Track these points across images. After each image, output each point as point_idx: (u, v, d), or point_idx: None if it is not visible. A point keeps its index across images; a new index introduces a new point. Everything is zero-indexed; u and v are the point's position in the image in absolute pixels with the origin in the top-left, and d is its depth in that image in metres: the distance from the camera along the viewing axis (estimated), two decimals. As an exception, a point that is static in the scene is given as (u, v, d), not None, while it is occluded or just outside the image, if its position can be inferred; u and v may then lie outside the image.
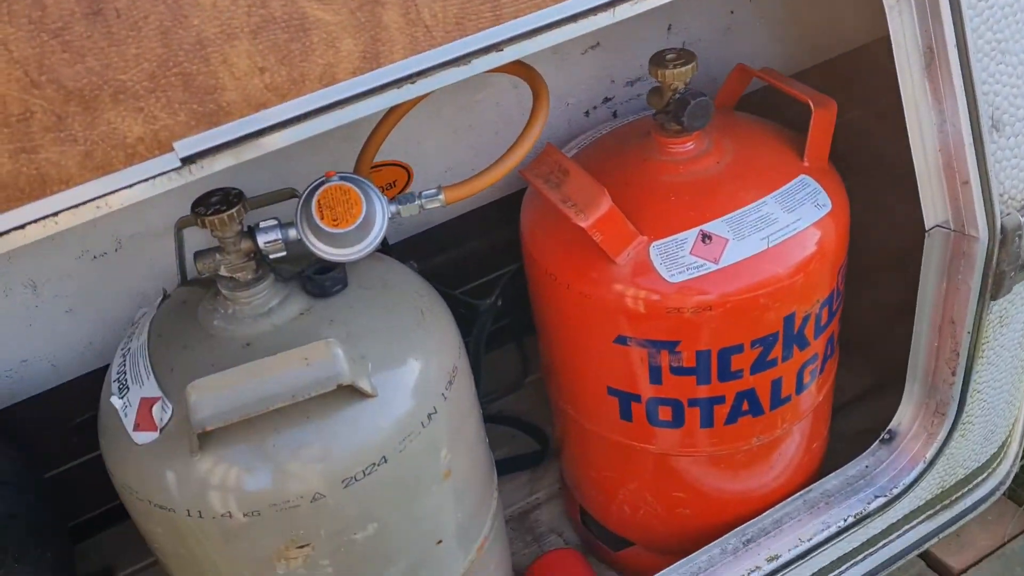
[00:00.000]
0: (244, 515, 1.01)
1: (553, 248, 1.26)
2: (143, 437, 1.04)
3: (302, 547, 1.05)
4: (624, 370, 1.26)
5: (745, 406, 1.28)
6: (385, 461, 1.04)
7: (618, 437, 1.36)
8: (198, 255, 1.07)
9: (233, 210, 1.03)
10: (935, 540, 1.59)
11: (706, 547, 1.38)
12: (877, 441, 1.48)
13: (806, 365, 1.29)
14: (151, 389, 1.06)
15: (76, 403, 1.46)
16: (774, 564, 1.37)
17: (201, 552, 1.06)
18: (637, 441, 1.35)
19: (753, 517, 1.42)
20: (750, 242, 1.17)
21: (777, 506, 1.42)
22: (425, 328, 1.13)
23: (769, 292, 1.17)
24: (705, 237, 1.17)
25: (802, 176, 1.23)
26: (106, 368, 1.37)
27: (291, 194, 1.21)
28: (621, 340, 1.23)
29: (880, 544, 1.50)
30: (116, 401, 1.08)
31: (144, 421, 1.04)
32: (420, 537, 1.14)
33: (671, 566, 1.37)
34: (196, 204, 1.04)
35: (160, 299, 1.21)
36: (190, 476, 1.00)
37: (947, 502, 1.55)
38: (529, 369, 2.02)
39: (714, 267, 1.16)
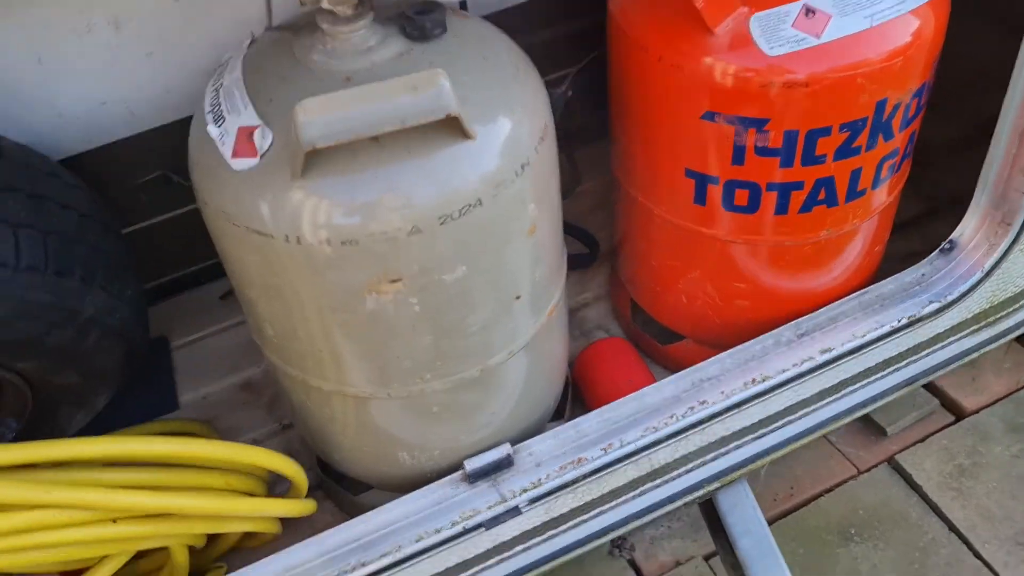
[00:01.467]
0: (341, 243, 1.03)
1: (645, 19, 1.24)
2: (242, 164, 1.04)
3: (394, 281, 1.07)
4: (706, 149, 1.26)
5: (822, 195, 1.29)
6: (480, 204, 1.05)
7: (687, 223, 1.38)
8: (302, -16, 1.06)
9: (343, -66, 1.00)
10: (975, 355, 1.63)
11: (760, 337, 1.42)
12: (936, 251, 1.49)
13: (887, 159, 1.30)
14: (250, 118, 1.06)
15: (149, 157, 1.47)
16: (826, 356, 1.41)
17: (290, 282, 1.09)
18: (707, 227, 1.37)
19: (807, 314, 1.45)
20: (854, 19, 1.15)
21: (833, 304, 1.45)
22: (521, 83, 1.12)
23: (866, 73, 1.16)
24: (809, 11, 1.15)
25: (910, -43, 1.20)
26: (182, 121, 1.37)
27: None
28: (708, 116, 1.22)
29: (925, 352, 1.54)
30: (213, 130, 1.08)
31: (243, 148, 1.05)
32: (502, 288, 1.17)
33: (725, 351, 1.41)
34: (304, -73, 1.02)
35: (248, 41, 1.20)
36: (289, 202, 1.02)
37: (992, 319, 1.58)
38: (579, 179, 2.03)
39: (815, 42, 1.14)
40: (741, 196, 1.30)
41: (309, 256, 1.05)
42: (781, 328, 1.43)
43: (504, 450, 1.32)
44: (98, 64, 1.30)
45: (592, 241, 1.90)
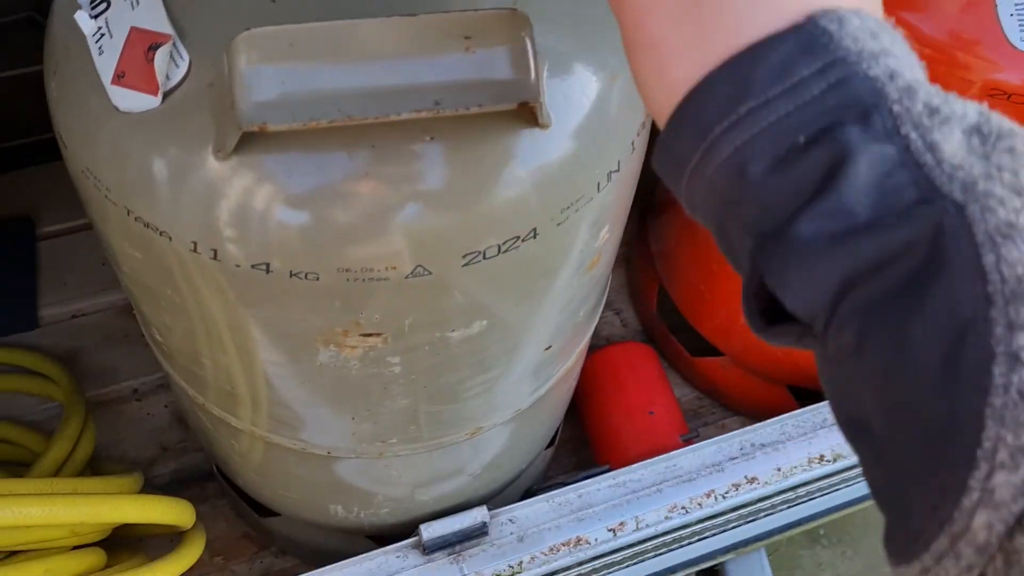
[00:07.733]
0: (292, 274, 0.59)
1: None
2: (130, 99, 0.58)
3: (369, 336, 0.65)
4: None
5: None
6: (535, 235, 0.62)
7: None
8: None
9: None
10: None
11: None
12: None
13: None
14: (153, 17, 0.58)
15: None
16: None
17: (198, 302, 0.65)
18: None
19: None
20: None
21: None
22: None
23: None
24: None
25: None
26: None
27: None
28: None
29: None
30: (84, 20, 0.60)
31: (134, 72, 0.58)
32: (529, 342, 0.75)
33: (788, 413, 1.04)
34: None
35: None
36: (209, 191, 0.57)
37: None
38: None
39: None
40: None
41: (231, 280, 0.61)
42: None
43: (476, 516, 0.94)
44: None
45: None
